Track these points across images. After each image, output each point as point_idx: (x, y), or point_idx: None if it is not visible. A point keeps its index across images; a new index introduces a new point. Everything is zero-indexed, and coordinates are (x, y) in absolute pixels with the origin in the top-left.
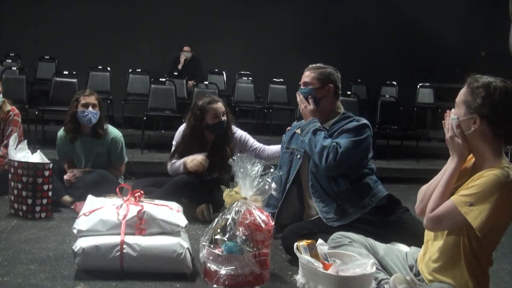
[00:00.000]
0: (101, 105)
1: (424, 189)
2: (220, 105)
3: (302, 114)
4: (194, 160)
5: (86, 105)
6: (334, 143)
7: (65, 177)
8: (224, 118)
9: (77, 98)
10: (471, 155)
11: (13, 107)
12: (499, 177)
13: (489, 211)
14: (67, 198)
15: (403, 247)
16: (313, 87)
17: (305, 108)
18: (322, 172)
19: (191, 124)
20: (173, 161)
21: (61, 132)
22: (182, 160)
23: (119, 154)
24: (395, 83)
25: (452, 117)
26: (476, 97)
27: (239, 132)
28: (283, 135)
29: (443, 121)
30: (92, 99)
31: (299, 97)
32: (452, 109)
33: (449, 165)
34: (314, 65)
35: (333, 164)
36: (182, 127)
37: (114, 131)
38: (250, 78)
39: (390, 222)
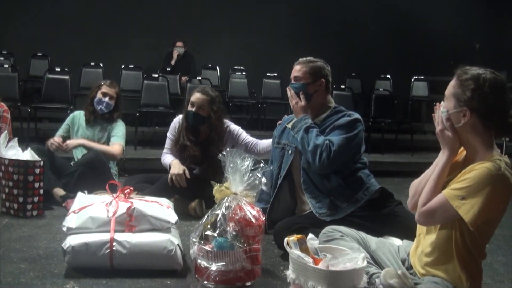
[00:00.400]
0: (119, 99)
1: (415, 183)
2: (201, 97)
3: (292, 110)
4: (177, 174)
5: (105, 94)
6: (327, 141)
7: (52, 141)
8: (198, 111)
9: (99, 85)
10: (463, 148)
11: (2, 104)
12: (490, 170)
13: (481, 204)
14: (59, 190)
15: (396, 241)
16: (304, 82)
17: (296, 104)
18: (315, 169)
19: (184, 110)
20: (164, 155)
21: (77, 112)
22: (170, 160)
23: (116, 133)
24: (389, 76)
25: (442, 110)
26: (466, 90)
27: (232, 126)
28: (275, 130)
29: (433, 114)
30: (112, 91)
31: (290, 93)
32: (442, 102)
33: (440, 159)
34: (304, 58)
35: (327, 163)
36: (176, 119)
37: (121, 122)
38: (244, 73)
39: (383, 216)
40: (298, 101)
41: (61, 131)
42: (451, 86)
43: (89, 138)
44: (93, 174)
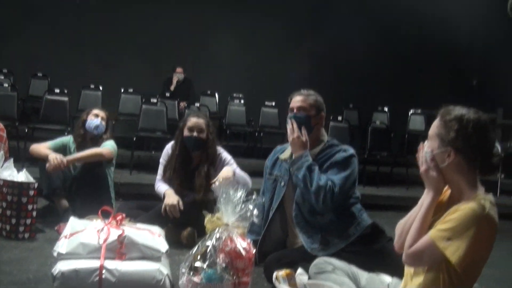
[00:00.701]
0: (109, 122)
1: (402, 223)
2: (199, 121)
3: (291, 144)
4: (171, 206)
5: (96, 115)
6: (330, 183)
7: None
8: (199, 135)
9: (89, 111)
10: (447, 187)
11: None
12: (475, 211)
13: (467, 245)
14: (65, 202)
15: (386, 278)
16: (308, 114)
17: (297, 138)
18: (311, 205)
19: (176, 137)
20: (158, 183)
21: (69, 139)
22: (164, 189)
23: (105, 145)
24: (386, 109)
25: (426, 151)
26: (450, 130)
27: (224, 155)
28: (266, 160)
29: (417, 155)
30: (102, 113)
31: (292, 125)
32: (426, 141)
33: (425, 199)
34: (305, 91)
35: (330, 204)
36: (169, 145)
37: (111, 141)
38: (242, 101)
39: (374, 252)
40: (300, 136)
41: (52, 145)
42: (435, 126)
43: None
44: (91, 176)
